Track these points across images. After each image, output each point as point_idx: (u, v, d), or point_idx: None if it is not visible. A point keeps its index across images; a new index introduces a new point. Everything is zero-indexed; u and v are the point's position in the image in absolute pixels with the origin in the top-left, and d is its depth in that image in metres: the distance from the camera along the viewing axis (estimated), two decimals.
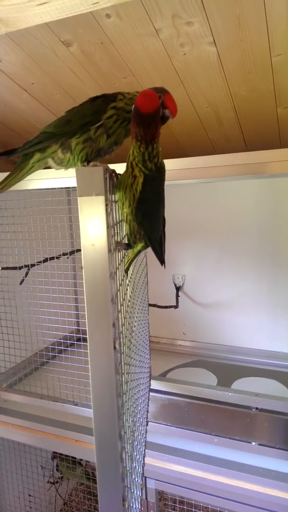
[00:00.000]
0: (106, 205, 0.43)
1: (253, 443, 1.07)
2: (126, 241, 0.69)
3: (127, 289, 0.68)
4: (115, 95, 0.66)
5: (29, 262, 1.32)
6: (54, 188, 1.11)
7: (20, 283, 1.35)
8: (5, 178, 0.72)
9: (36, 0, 0.62)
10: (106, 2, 0.63)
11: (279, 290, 1.62)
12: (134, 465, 0.64)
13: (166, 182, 1.05)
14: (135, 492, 0.61)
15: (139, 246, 0.69)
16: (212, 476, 1.06)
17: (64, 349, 1.34)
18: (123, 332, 0.57)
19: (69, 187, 1.09)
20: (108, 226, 0.43)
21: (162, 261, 0.74)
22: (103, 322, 0.44)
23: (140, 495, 0.66)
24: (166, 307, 1.80)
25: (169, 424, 1.17)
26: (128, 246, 0.67)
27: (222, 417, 1.12)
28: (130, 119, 0.62)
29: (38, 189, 1.12)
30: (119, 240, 0.62)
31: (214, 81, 1.03)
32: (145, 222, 0.65)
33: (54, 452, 1.50)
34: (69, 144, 0.64)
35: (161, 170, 0.65)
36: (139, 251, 0.71)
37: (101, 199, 0.42)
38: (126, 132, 0.67)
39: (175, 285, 1.81)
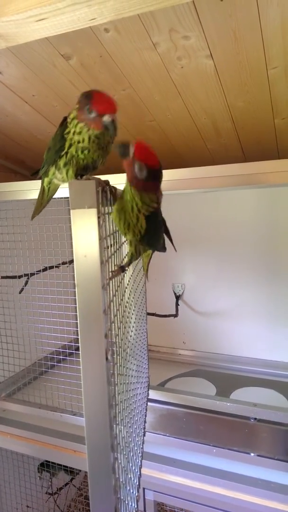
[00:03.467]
0: (99, 217, 0.44)
1: (252, 454, 1.07)
2: (128, 258, 0.69)
3: (121, 299, 0.68)
4: (66, 120, 0.63)
5: (29, 271, 1.33)
6: (54, 198, 1.12)
7: (20, 292, 1.35)
8: (36, 206, 0.79)
9: (34, 16, 0.63)
10: (103, 18, 0.65)
11: (279, 299, 1.62)
12: (130, 476, 0.63)
13: (166, 192, 1.06)
14: (130, 504, 0.61)
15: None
16: (211, 487, 1.05)
17: (63, 358, 1.34)
18: (117, 342, 0.58)
19: (68, 197, 1.09)
20: (100, 238, 0.44)
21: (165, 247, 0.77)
22: (95, 333, 0.44)
23: (136, 507, 0.66)
24: (165, 316, 1.80)
25: (167, 435, 1.17)
26: (123, 269, 0.64)
27: (221, 427, 1.11)
28: (89, 149, 0.61)
29: None
30: (115, 265, 0.62)
31: (211, 93, 1.04)
32: (151, 245, 0.68)
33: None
34: (59, 166, 0.66)
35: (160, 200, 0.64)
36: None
37: (93, 212, 0.43)
38: (99, 151, 0.64)
39: (175, 294, 1.81)
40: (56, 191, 0.77)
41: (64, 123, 0.64)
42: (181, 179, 1.05)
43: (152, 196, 0.59)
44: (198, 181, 1.03)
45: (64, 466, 1.46)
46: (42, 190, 0.76)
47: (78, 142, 0.61)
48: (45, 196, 0.77)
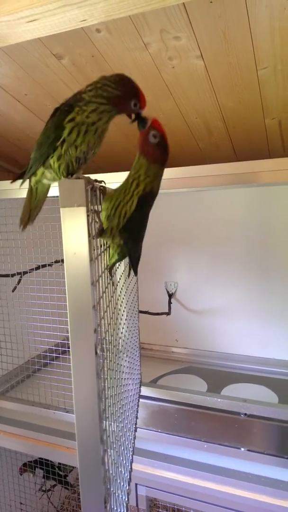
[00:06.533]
0: (88, 215, 0.45)
1: (242, 449, 1.08)
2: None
3: (112, 296, 0.69)
4: (72, 105, 0.61)
5: (22, 270, 1.33)
6: (48, 197, 1.12)
7: (13, 291, 1.36)
8: (24, 211, 0.73)
9: (26, 17, 0.64)
10: (94, 20, 0.66)
11: (270, 297, 1.64)
12: (120, 469, 0.64)
13: (159, 191, 1.07)
14: (121, 496, 0.62)
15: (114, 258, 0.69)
16: (202, 482, 1.07)
17: (56, 356, 1.34)
18: (108, 338, 0.59)
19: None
20: (89, 236, 0.45)
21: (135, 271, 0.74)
22: (85, 328, 0.45)
23: (127, 500, 0.67)
24: (158, 314, 1.81)
25: (159, 431, 1.18)
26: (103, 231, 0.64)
27: (212, 423, 1.13)
28: (96, 129, 0.61)
29: None
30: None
31: (202, 93, 1.06)
32: (130, 235, 0.65)
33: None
34: (50, 164, 0.63)
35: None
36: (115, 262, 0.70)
37: (82, 210, 0.44)
38: (96, 139, 0.63)
39: (168, 292, 1.82)
40: (45, 194, 0.72)
41: (56, 113, 0.62)
42: (173, 178, 1.06)
43: (157, 170, 0.65)
44: (190, 180, 1.04)
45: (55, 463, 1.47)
46: (30, 191, 0.71)
47: (87, 123, 0.60)
48: (33, 199, 0.71)
